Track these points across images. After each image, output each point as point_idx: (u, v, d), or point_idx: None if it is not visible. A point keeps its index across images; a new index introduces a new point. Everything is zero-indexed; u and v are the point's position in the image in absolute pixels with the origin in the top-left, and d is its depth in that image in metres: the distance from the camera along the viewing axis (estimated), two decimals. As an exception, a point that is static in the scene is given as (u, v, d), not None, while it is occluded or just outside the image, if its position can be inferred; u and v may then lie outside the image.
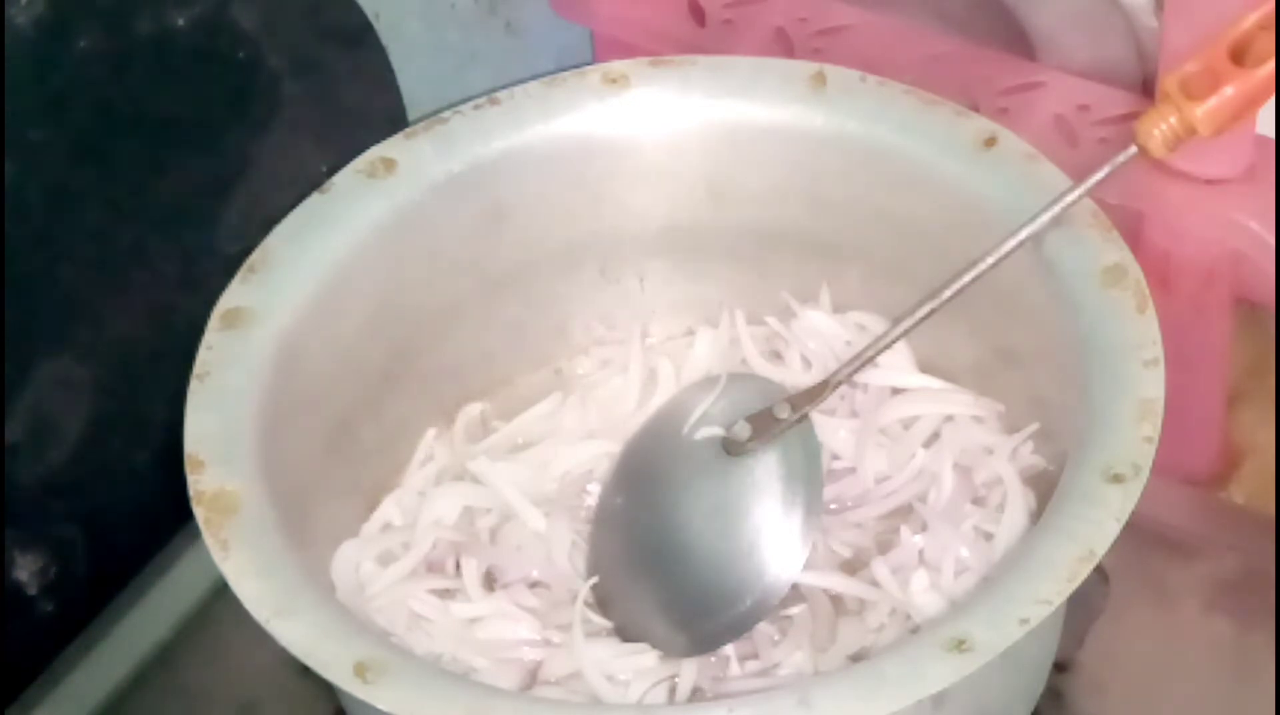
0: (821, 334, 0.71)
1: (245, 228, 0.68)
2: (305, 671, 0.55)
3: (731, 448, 0.67)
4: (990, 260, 0.62)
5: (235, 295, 0.64)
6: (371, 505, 0.68)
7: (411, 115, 0.79)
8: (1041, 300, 0.63)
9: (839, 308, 0.71)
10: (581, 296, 0.73)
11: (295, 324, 0.64)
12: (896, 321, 0.65)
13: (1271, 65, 0.60)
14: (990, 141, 0.66)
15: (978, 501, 0.65)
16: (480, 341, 0.71)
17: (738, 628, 0.64)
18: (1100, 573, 0.56)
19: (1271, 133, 0.70)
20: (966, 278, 0.63)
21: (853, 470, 0.68)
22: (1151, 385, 0.58)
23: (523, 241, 0.70)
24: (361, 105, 0.76)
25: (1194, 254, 0.72)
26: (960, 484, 0.66)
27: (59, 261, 0.66)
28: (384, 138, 0.69)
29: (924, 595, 0.62)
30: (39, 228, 0.65)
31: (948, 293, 0.63)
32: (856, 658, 0.63)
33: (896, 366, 0.69)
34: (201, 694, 0.69)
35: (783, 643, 0.64)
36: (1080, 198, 0.62)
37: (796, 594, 0.65)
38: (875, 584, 0.64)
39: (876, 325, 0.70)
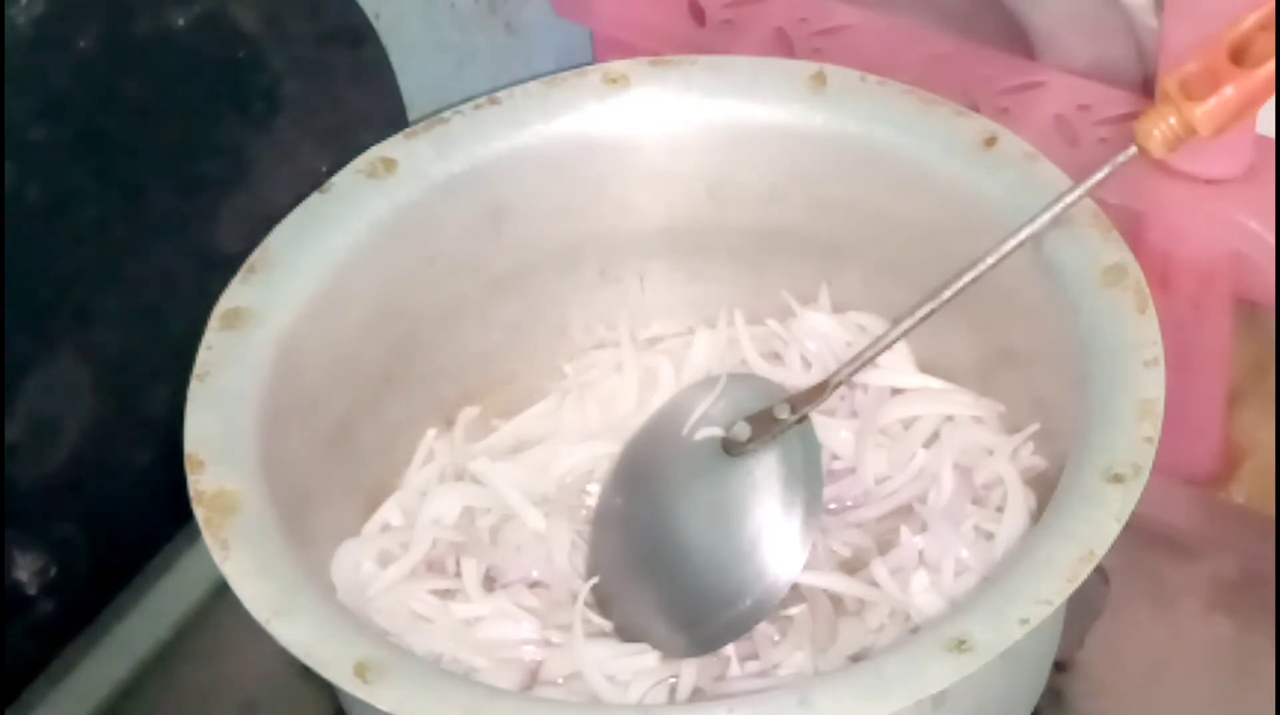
0: (821, 334, 0.71)
1: (245, 228, 0.68)
2: (305, 671, 0.55)
3: (731, 448, 0.67)
4: (990, 260, 0.62)
5: (235, 295, 0.64)
6: (371, 505, 0.68)
7: (411, 115, 0.79)
8: (1041, 300, 0.63)
9: (839, 308, 0.71)
10: (581, 296, 0.73)
11: (295, 324, 0.64)
12: (896, 321, 0.65)
13: (1271, 65, 0.60)
14: (990, 141, 0.66)
15: (978, 502, 0.65)
16: (480, 341, 0.71)
17: (738, 628, 0.64)
18: (1100, 573, 0.56)
19: (1271, 133, 0.70)
20: (966, 278, 0.63)
21: (853, 470, 0.68)
22: (1151, 385, 0.58)
23: (523, 241, 0.70)
24: (361, 105, 0.76)
25: (1194, 254, 0.72)
26: (960, 484, 0.66)
27: (59, 261, 0.66)
28: (384, 138, 0.69)
29: (924, 595, 0.62)
30: (39, 228, 0.65)
31: (948, 293, 0.63)
32: (856, 658, 0.63)
33: (896, 367, 0.69)
34: (201, 694, 0.69)
35: (783, 643, 0.64)
36: (1080, 198, 0.62)
37: (796, 594, 0.65)
38: (875, 584, 0.64)
39: (876, 325, 0.70)
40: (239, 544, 0.57)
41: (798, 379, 0.70)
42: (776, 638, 0.64)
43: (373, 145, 0.68)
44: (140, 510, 0.71)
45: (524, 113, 0.69)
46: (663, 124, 0.70)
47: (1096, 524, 0.55)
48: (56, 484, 0.68)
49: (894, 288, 0.68)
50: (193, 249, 0.71)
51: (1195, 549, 0.70)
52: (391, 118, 0.78)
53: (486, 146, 0.69)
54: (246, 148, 0.72)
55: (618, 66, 0.70)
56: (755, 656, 0.64)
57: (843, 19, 0.80)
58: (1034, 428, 0.65)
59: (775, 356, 0.72)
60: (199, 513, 0.58)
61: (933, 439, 0.68)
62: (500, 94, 0.69)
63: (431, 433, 0.70)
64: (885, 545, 0.66)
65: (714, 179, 0.70)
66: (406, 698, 0.53)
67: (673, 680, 0.63)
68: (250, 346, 0.63)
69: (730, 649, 0.63)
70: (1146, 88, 0.77)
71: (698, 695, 0.62)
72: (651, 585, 0.66)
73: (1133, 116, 0.64)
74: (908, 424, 0.68)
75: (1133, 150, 0.62)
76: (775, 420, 0.66)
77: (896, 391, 0.69)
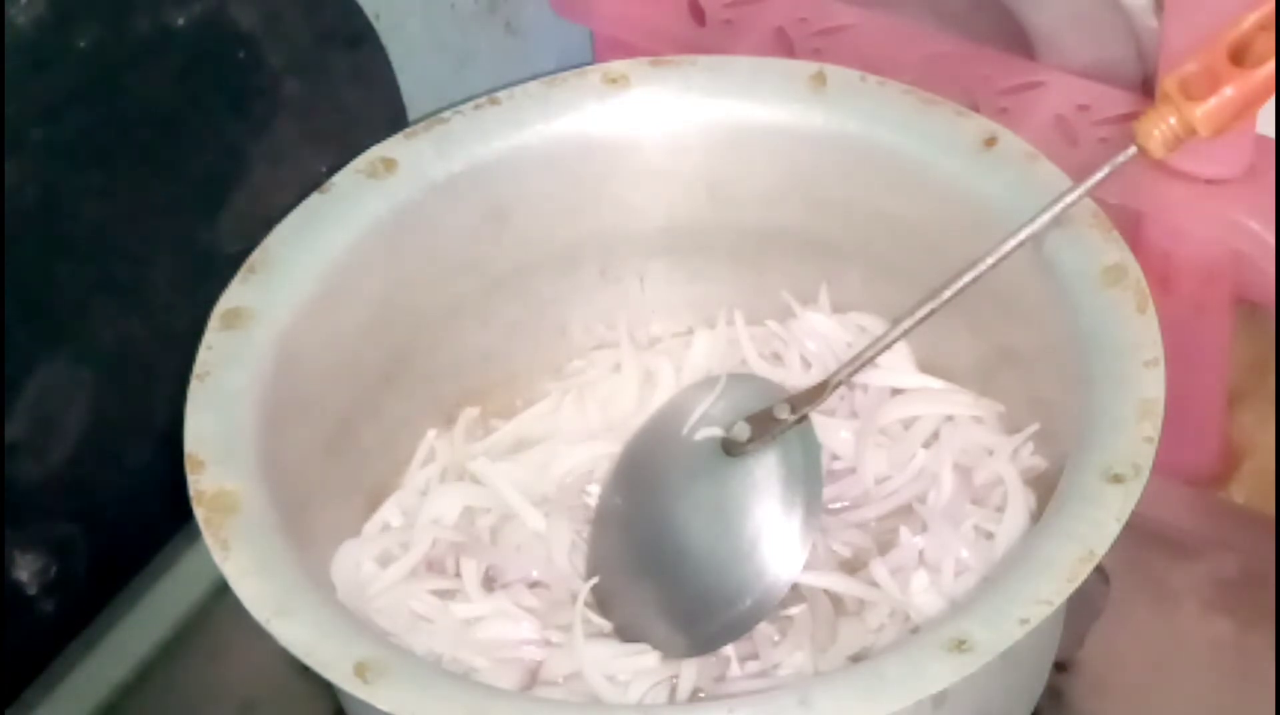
0: (821, 335, 0.71)
1: (245, 228, 0.68)
2: (305, 671, 0.55)
3: (731, 448, 0.67)
4: (990, 260, 0.62)
5: (235, 295, 0.64)
6: (372, 505, 0.68)
7: (411, 115, 0.79)
8: (1041, 300, 0.63)
9: (839, 308, 0.71)
10: (581, 296, 0.73)
11: (295, 324, 0.64)
12: (896, 321, 0.65)
13: (1271, 65, 0.60)
14: (990, 141, 0.66)
15: (978, 502, 0.65)
16: (480, 341, 0.71)
17: (738, 628, 0.64)
18: (1100, 573, 0.56)
19: (1271, 133, 0.70)
20: (966, 278, 0.63)
21: (853, 470, 0.68)
22: (1151, 385, 0.58)
23: (523, 241, 0.70)
24: (361, 105, 0.76)
25: (1194, 254, 0.72)
26: (960, 484, 0.66)
27: (59, 261, 0.66)
28: (384, 138, 0.69)
29: (924, 595, 0.62)
30: (39, 228, 0.65)
31: (948, 293, 0.63)
32: (856, 658, 0.63)
33: (896, 367, 0.69)
34: (201, 694, 0.69)
35: (783, 643, 0.64)
36: (1080, 198, 0.62)
37: (796, 594, 0.65)
38: (875, 584, 0.64)
39: (876, 326, 0.70)
40: (239, 544, 0.57)
41: (798, 379, 0.70)
42: (776, 638, 0.64)
43: (373, 145, 0.68)
44: (140, 510, 0.71)
45: (524, 113, 0.69)
46: (663, 124, 0.70)
47: (1096, 524, 0.55)
48: (56, 484, 0.68)
49: (894, 288, 0.68)
50: (193, 249, 0.71)
51: (1195, 549, 0.70)
52: (391, 118, 0.78)
53: (486, 146, 0.69)
54: (246, 148, 0.72)
55: (618, 66, 0.70)
56: (755, 656, 0.64)
57: (843, 19, 0.80)
58: (1034, 428, 0.65)
59: (775, 357, 0.72)
60: (199, 513, 0.58)
61: (933, 439, 0.68)
62: (500, 94, 0.69)
63: (431, 433, 0.70)
64: (885, 545, 0.66)
65: (714, 179, 0.70)
66: (406, 698, 0.53)
67: (673, 680, 0.62)
68: (250, 346, 0.63)
69: (730, 649, 0.63)
70: (1146, 88, 0.77)
71: (698, 695, 0.62)
72: (651, 585, 0.66)
73: (1133, 116, 0.64)
74: (908, 424, 0.68)
75: (1133, 150, 0.62)
76: (775, 420, 0.66)
77: (896, 391, 0.69)
